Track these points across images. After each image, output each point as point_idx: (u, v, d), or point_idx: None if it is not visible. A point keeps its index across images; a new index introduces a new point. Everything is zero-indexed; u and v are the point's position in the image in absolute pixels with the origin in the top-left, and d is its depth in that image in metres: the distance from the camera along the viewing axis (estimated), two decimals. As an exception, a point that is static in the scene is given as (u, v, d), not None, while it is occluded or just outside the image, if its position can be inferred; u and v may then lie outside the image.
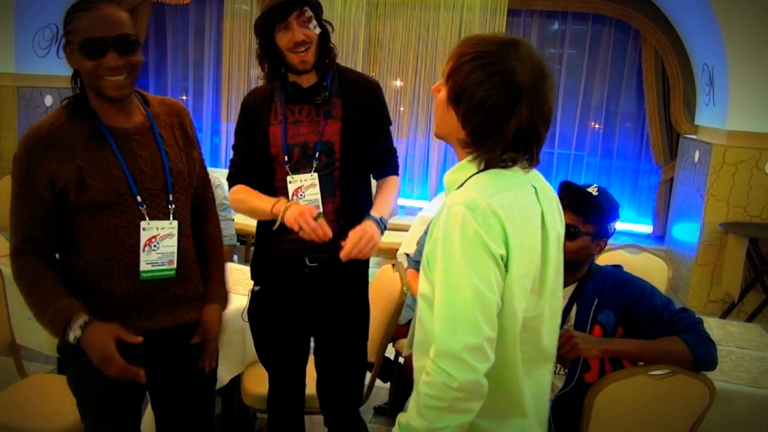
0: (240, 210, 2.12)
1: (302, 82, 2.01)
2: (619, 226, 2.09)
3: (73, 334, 1.52)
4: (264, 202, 1.96)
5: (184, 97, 7.19)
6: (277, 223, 1.88)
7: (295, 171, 2.01)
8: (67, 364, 1.74)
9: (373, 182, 2.20)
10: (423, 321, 1.36)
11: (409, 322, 3.10)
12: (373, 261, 2.23)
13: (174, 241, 1.68)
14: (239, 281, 2.84)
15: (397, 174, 2.21)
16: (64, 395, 1.90)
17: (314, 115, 2.02)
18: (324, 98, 2.01)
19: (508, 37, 1.30)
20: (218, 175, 4.51)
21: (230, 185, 2.13)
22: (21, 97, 6.23)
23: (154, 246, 1.65)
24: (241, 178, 2.11)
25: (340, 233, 1.95)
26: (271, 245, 2.04)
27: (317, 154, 2.00)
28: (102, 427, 1.76)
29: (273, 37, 1.94)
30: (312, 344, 2.23)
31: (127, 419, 1.80)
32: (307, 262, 2.02)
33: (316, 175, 2.00)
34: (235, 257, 3.35)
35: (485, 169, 1.31)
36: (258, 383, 2.50)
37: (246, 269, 3.04)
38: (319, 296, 2.07)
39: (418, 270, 3.18)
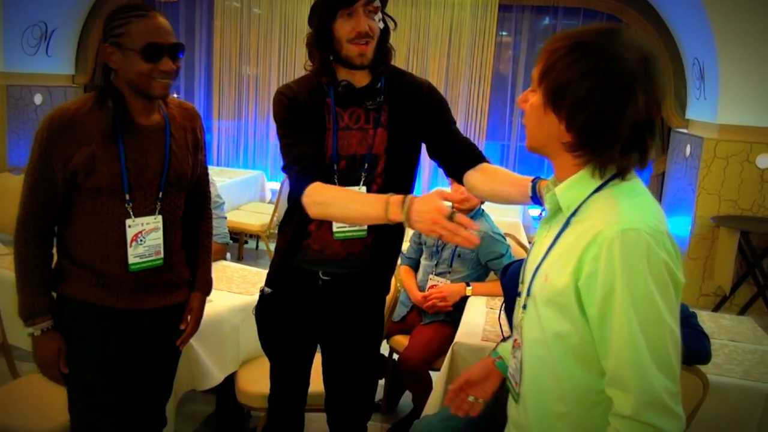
0: (324, 215, 1.75)
1: (354, 81, 1.82)
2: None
3: (33, 330, 1.75)
4: (369, 206, 1.59)
5: (176, 95, 7.13)
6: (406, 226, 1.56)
7: (341, 182, 1.82)
8: (67, 332, 1.83)
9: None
10: (557, 366, 1.21)
11: (403, 318, 3.12)
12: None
13: (159, 234, 1.83)
14: (232, 279, 2.83)
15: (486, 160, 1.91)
16: (56, 395, 1.90)
17: (363, 122, 1.84)
18: (377, 103, 1.83)
19: (606, 25, 1.17)
20: (210, 172, 4.50)
21: (306, 183, 1.71)
22: (10, 96, 6.18)
23: (141, 240, 1.80)
24: (318, 175, 1.74)
25: (369, 258, 1.89)
26: (292, 254, 1.92)
27: (366, 166, 1.84)
28: (82, 386, 1.85)
29: (330, 25, 1.76)
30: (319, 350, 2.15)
31: (106, 383, 1.86)
32: (320, 275, 1.91)
33: (364, 188, 1.84)
34: (228, 255, 3.34)
35: (609, 179, 1.18)
36: (252, 381, 2.49)
37: (239, 267, 3.05)
38: (330, 310, 1.97)
39: (411, 266, 3.21)
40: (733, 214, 5.17)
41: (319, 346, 2.10)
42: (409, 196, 1.50)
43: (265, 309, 2.01)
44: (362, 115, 1.84)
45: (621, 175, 1.18)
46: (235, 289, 2.73)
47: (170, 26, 1.74)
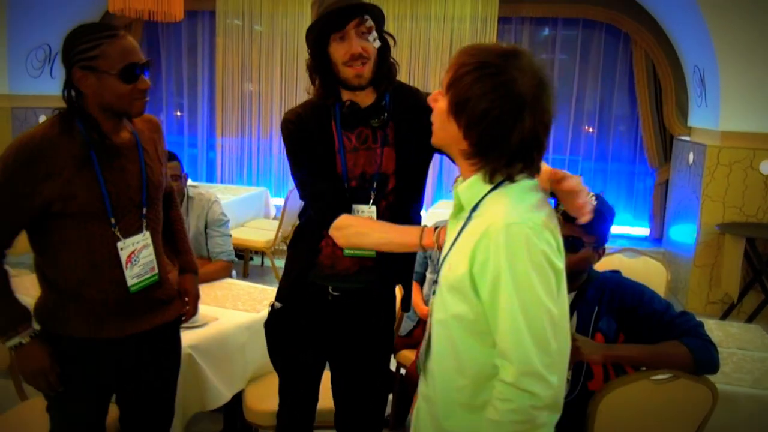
0: (355, 244, 1.81)
1: (359, 101, 1.82)
2: (616, 229, 2.08)
3: (20, 339, 1.70)
4: (404, 235, 1.69)
5: (179, 113, 7.19)
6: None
7: (352, 201, 1.84)
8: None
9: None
10: (456, 343, 1.36)
11: (410, 333, 3.11)
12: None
13: (150, 250, 1.82)
14: (239, 297, 2.83)
15: None
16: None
17: (370, 141, 1.84)
18: (383, 121, 1.83)
19: (509, 47, 1.29)
20: (214, 191, 4.52)
21: (332, 218, 1.77)
22: (15, 118, 6.22)
23: (135, 260, 1.78)
24: (341, 207, 1.79)
25: (380, 272, 1.89)
26: (305, 270, 1.93)
27: (375, 184, 1.84)
28: (72, 417, 1.84)
29: (326, 47, 1.76)
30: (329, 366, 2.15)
31: (96, 413, 1.87)
32: (330, 290, 1.93)
33: (374, 208, 1.84)
34: (234, 272, 3.34)
35: (500, 182, 1.31)
36: (260, 399, 2.49)
37: (245, 284, 3.05)
38: (339, 324, 1.98)
39: (417, 281, 3.20)
40: (738, 221, 5.15)
41: (328, 363, 2.10)
42: (441, 226, 1.63)
43: (275, 323, 2.02)
44: (369, 135, 1.85)
45: (509, 180, 1.31)
46: (241, 306, 2.72)
47: (136, 43, 1.73)
